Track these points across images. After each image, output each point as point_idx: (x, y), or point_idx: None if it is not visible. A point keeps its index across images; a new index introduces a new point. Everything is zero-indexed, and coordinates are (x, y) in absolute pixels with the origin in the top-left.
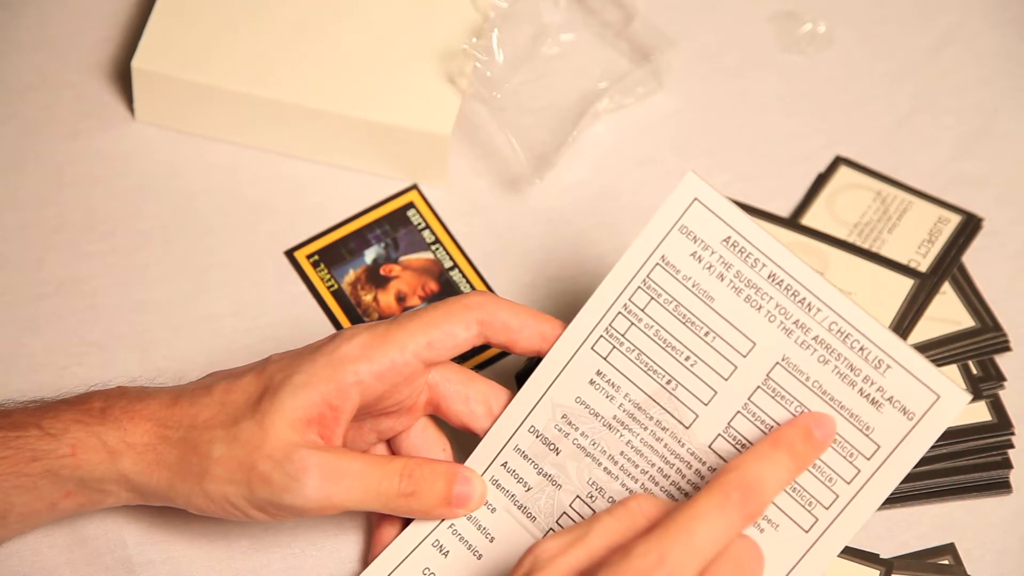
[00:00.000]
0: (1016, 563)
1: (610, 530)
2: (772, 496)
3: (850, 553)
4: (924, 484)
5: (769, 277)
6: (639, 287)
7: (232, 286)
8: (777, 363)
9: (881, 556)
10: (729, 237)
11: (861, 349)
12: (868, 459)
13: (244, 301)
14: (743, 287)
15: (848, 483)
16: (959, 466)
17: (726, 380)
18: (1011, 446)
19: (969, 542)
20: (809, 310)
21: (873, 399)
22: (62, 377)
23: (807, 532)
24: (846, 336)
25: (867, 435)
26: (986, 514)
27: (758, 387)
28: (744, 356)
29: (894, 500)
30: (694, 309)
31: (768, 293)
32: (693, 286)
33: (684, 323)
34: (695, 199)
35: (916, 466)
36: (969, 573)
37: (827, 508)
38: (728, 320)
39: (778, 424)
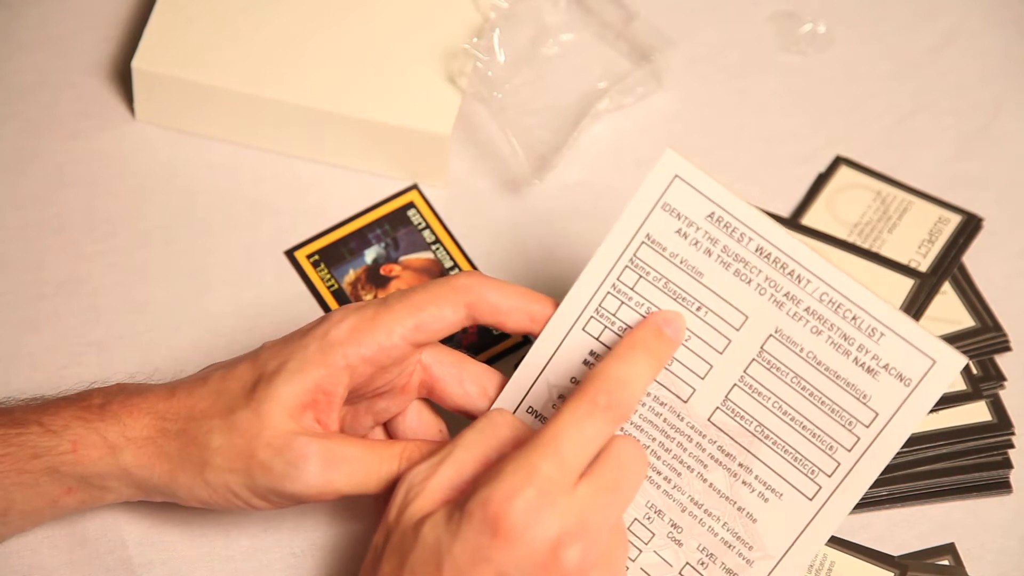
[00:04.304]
0: (1016, 563)
1: (474, 443)
2: (639, 395)
3: (865, 554)
4: (924, 484)
5: (757, 251)
6: (627, 266)
7: (232, 286)
8: (770, 335)
9: (898, 559)
10: (713, 213)
11: (854, 318)
12: (867, 427)
13: (244, 301)
14: (731, 261)
15: (849, 451)
16: (959, 466)
17: (721, 354)
18: (1011, 446)
19: (969, 542)
20: (799, 282)
21: (868, 367)
22: (62, 377)
23: (811, 500)
24: (838, 306)
25: (864, 403)
26: (986, 514)
27: (753, 359)
28: (737, 329)
29: (894, 500)
30: (684, 285)
31: (756, 266)
32: (681, 262)
33: (675, 299)
34: (676, 176)
35: (916, 466)
36: (969, 573)
37: (829, 476)
38: (719, 294)
39: (777, 396)
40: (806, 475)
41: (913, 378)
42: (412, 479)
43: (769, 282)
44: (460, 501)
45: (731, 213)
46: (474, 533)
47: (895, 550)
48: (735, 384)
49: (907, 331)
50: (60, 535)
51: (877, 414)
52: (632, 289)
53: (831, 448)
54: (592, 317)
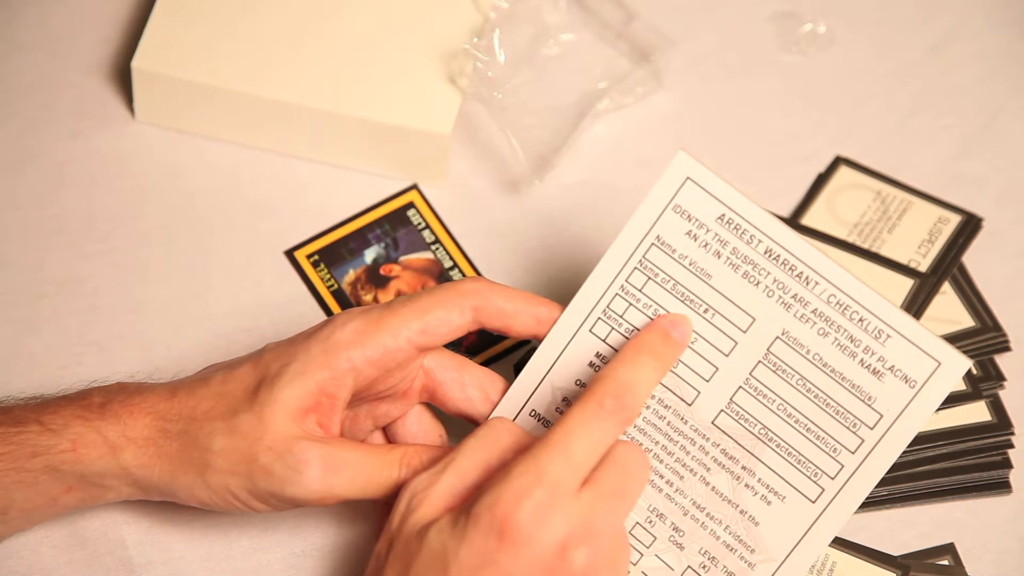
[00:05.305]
0: (1016, 563)
1: (476, 450)
2: (645, 398)
3: (867, 555)
4: (924, 484)
5: (766, 252)
6: (636, 267)
7: (232, 286)
8: (777, 337)
9: (899, 559)
10: (723, 215)
11: (860, 320)
12: (871, 428)
13: (244, 301)
14: (740, 263)
15: (852, 453)
16: (959, 466)
17: (727, 356)
18: (1011, 446)
19: (969, 542)
20: (807, 284)
21: (874, 369)
22: (62, 377)
23: (814, 503)
24: (845, 308)
25: (870, 405)
26: (986, 514)
27: (759, 362)
28: (744, 331)
29: (894, 500)
30: (692, 287)
31: (765, 268)
32: (690, 264)
33: (682, 301)
34: (687, 178)
35: (916, 466)
36: (969, 573)
37: (833, 478)
38: (727, 296)
39: (782, 399)
40: (809, 478)
41: (918, 380)
42: (415, 487)
43: (777, 284)
44: (465, 507)
45: (741, 215)
46: (481, 536)
47: (895, 550)
48: (740, 387)
49: (913, 333)
50: (60, 535)
51: (882, 416)
52: (640, 291)
53: (835, 450)
54: (600, 319)
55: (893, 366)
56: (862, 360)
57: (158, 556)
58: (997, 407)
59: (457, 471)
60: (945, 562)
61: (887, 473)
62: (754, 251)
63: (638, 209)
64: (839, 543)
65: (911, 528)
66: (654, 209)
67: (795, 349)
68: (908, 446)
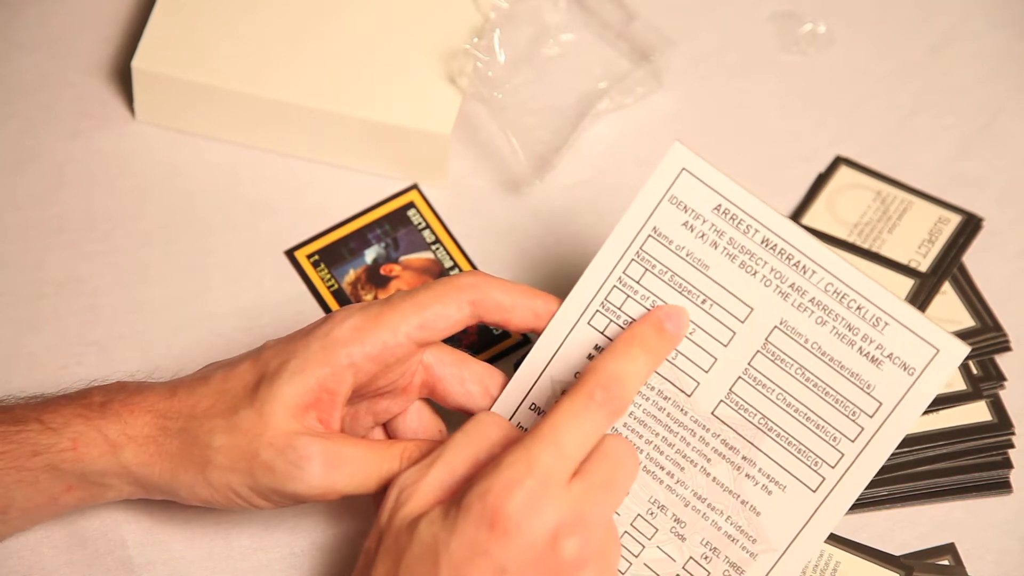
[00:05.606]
0: (1016, 563)
1: (463, 444)
2: (634, 390)
3: (870, 555)
4: (924, 484)
5: (762, 242)
6: (633, 259)
7: (232, 286)
8: (775, 327)
9: (902, 559)
10: (720, 205)
11: (858, 308)
12: (871, 416)
13: (244, 301)
14: (737, 253)
15: (853, 441)
16: (959, 466)
17: (725, 346)
18: (1011, 446)
19: (969, 542)
20: (804, 273)
21: (873, 357)
22: (62, 377)
23: (815, 492)
24: (843, 296)
25: (869, 393)
26: (986, 514)
27: (758, 351)
28: (742, 322)
29: (894, 500)
30: (689, 278)
31: (762, 258)
32: (687, 255)
33: (680, 292)
34: (683, 169)
35: (916, 466)
36: (970, 573)
37: (833, 467)
38: (724, 287)
39: (782, 388)
40: (810, 467)
41: (917, 367)
42: (403, 482)
43: (775, 273)
44: (456, 498)
45: (737, 205)
46: (472, 527)
47: (895, 550)
48: (739, 377)
49: (911, 320)
50: (60, 535)
51: (881, 403)
52: (638, 283)
53: (835, 439)
54: (598, 311)
55: (891, 354)
56: (860, 348)
57: (158, 556)
58: (997, 407)
59: (446, 465)
60: (945, 562)
61: (888, 473)
62: (751, 241)
63: (634, 201)
64: (843, 543)
65: (911, 528)
66: (650, 200)
67: (793, 338)
68: (908, 446)
